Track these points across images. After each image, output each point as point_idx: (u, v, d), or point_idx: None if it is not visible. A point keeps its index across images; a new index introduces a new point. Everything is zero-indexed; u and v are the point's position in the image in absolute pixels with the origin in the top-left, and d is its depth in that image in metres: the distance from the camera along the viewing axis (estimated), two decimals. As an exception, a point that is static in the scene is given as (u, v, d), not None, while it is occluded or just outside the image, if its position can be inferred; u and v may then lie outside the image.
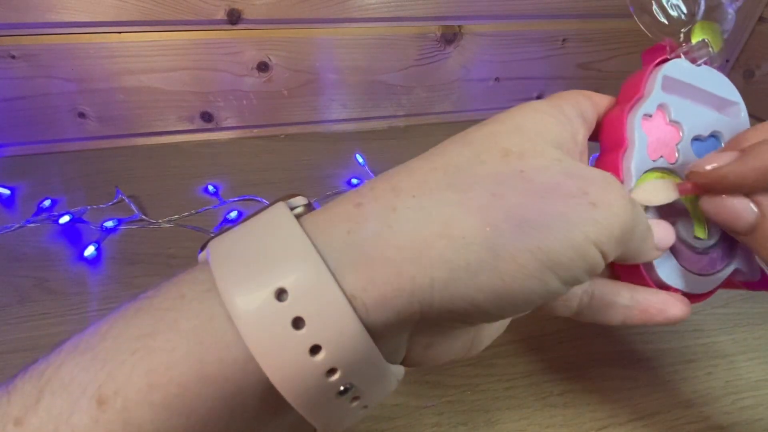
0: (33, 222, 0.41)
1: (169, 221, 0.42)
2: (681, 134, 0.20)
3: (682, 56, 0.20)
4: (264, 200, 0.44)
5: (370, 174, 0.49)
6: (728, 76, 0.64)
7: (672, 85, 0.20)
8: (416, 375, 0.29)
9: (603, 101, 0.20)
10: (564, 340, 0.33)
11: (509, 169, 0.14)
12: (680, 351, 0.32)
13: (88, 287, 0.35)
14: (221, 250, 0.14)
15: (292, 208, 0.15)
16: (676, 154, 0.19)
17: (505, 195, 0.14)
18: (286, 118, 0.57)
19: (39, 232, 0.40)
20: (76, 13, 0.44)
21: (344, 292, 0.12)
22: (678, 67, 0.20)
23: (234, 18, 0.49)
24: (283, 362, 0.12)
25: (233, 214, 0.43)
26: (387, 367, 0.14)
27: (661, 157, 0.19)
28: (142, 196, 0.45)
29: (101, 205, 0.43)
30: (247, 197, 0.45)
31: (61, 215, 0.41)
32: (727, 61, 0.64)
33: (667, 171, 0.19)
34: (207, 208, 0.44)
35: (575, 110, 0.19)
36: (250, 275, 0.12)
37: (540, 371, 0.31)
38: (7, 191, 0.44)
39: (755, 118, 0.59)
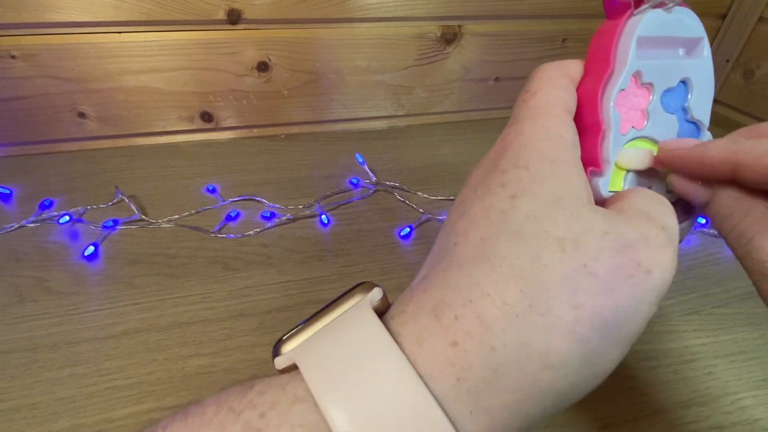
0: (33, 222, 0.41)
1: (169, 221, 0.42)
2: (651, 95, 0.19)
3: (655, 8, 0.18)
4: (264, 200, 0.45)
5: (370, 174, 0.49)
6: (728, 76, 0.65)
7: (645, 45, 0.18)
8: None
9: (577, 73, 0.20)
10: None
11: (574, 268, 0.14)
12: (680, 351, 0.32)
13: (88, 287, 0.35)
14: (329, 382, 0.14)
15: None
16: (645, 121, 0.19)
17: (583, 304, 0.14)
18: (286, 118, 0.57)
19: (39, 232, 0.40)
20: (76, 13, 0.44)
21: None
22: (651, 23, 0.18)
23: (234, 18, 0.49)
24: None
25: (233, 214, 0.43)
26: None
27: (632, 127, 0.19)
28: (142, 196, 0.45)
29: (101, 205, 0.43)
30: (247, 197, 0.45)
31: (61, 215, 0.41)
32: (727, 61, 0.64)
33: (646, 138, 0.20)
34: (207, 208, 0.44)
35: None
36: (375, 426, 0.13)
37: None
38: (6, 191, 0.44)
39: (755, 118, 0.59)
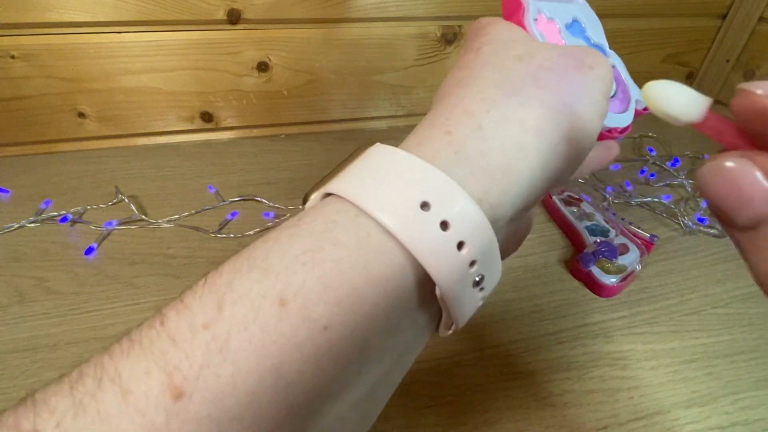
0: (33, 222, 0.41)
1: (169, 221, 0.42)
2: (558, 25, 0.24)
3: None
4: (264, 200, 0.45)
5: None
6: (728, 76, 0.65)
7: None
8: (416, 375, 0.30)
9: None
10: (564, 340, 0.33)
11: (532, 66, 0.18)
12: (680, 351, 0.32)
13: (88, 287, 0.35)
14: (354, 184, 0.16)
15: None
16: (564, 41, 0.24)
17: (545, 84, 0.18)
18: (286, 118, 0.57)
19: (39, 232, 0.40)
20: (75, 13, 0.44)
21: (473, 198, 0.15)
22: None
23: (234, 18, 0.49)
24: (438, 258, 0.15)
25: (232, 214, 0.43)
26: (499, 258, 0.17)
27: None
28: (142, 196, 0.45)
29: (101, 205, 0.43)
30: (247, 197, 0.45)
31: (61, 215, 0.41)
32: (727, 61, 0.64)
33: None
34: (207, 208, 0.44)
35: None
36: (395, 196, 0.15)
37: (540, 371, 0.31)
38: (6, 191, 0.44)
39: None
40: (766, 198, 0.11)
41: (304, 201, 0.17)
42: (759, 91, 0.12)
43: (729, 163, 0.12)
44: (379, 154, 0.17)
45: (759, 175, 0.11)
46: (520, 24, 0.23)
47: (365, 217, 0.15)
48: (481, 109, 0.17)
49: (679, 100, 0.13)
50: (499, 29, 0.21)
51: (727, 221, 0.12)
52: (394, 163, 0.16)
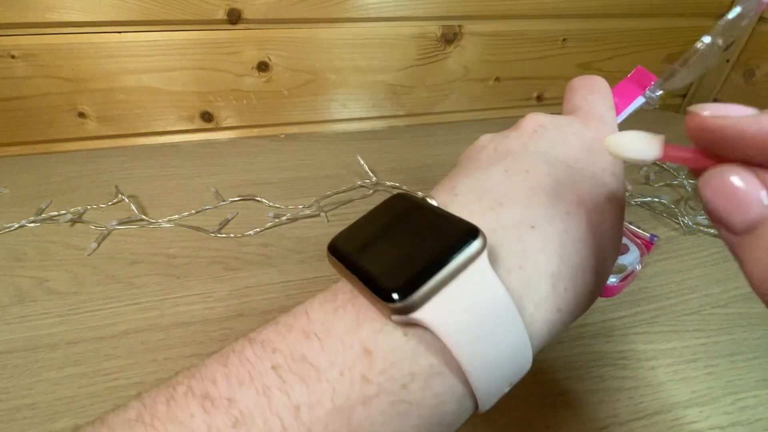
0: (33, 222, 0.41)
1: (169, 221, 0.42)
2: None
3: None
4: (264, 200, 0.44)
5: (370, 174, 0.49)
6: (728, 76, 0.65)
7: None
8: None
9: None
10: (564, 340, 0.33)
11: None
12: (680, 351, 0.32)
13: (88, 287, 0.35)
14: (465, 348, 0.14)
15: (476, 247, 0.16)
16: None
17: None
18: (286, 118, 0.57)
19: (39, 232, 0.40)
20: (75, 13, 0.44)
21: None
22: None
23: (234, 18, 0.49)
24: (494, 400, 0.16)
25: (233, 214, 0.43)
26: None
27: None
28: (142, 196, 0.45)
29: (101, 205, 0.43)
30: (247, 197, 0.45)
31: (61, 215, 0.41)
32: (728, 61, 0.64)
33: None
34: (207, 208, 0.44)
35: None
36: (497, 383, 0.15)
37: (540, 371, 0.31)
38: (6, 191, 0.44)
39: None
40: (761, 203, 0.12)
41: (331, 250, 0.17)
42: (705, 113, 0.13)
43: (726, 174, 0.13)
44: (479, 287, 0.15)
45: (753, 183, 0.12)
46: (626, 95, 0.26)
47: (464, 384, 0.15)
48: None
49: (637, 146, 0.15)
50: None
51: (724, 224, 0.13)
52: (499, 327, 0.15)
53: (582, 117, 0.22)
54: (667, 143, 0.15)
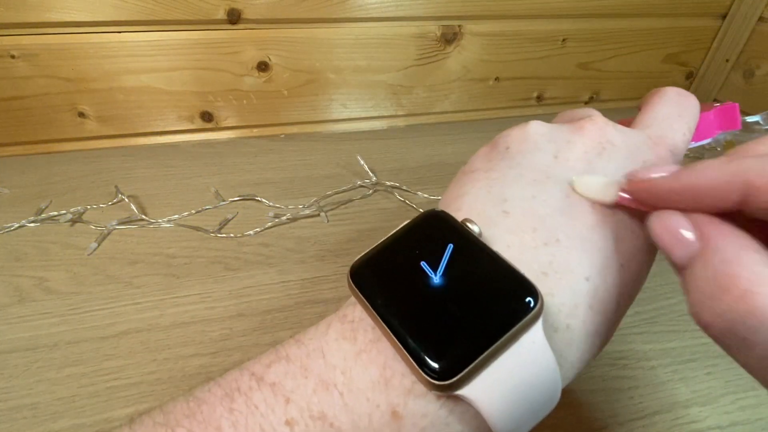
0: (33, 222, 0.41)
1: (169, 221, 0.42)
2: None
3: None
4: (264, 200, 0.44)
5: (370, 174, 0.49)
6: (728, 76, 0.65)
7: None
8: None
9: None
10: (564, 340, 0.33)
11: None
12: (680, 351, 0.32)
13: (88, 287, 0.35)
14: (498, 404, 0.14)
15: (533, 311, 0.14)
16: None
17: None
18: (286, 118, 0.57)
19: (39, 232, 0.40)
20: (75, 13, 0.44)
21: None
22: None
23: (234, 18, 0.49)
24: None
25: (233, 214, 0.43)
26: None
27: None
28: (142, 196, 0.45)
29: (101, 205, 0.43)
30: (247, 197, 0.45)
31: (61, 215, 0.41)
32: (727, 60, 0.64)
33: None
34: (207, 208, 0.44)
35: None
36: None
37: (540, 371, 0.31)
38: (6, 191, 0.44)
39: (755, 118, 0.59)
40: (693, 242, 0.14)
41: (357, 284, 0.15)
42: (640, 176, 0.16)
43: (664, 218, 0.15)
44: (529, 360, 0.14)
45: (683, 228, 0.14)
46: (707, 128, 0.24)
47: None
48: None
49: (596, 188, 0.17)
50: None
51: (669, 259, 0.15)
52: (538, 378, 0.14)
53: (654, 139, 0.19)
54: (622, 192, 0.16)
